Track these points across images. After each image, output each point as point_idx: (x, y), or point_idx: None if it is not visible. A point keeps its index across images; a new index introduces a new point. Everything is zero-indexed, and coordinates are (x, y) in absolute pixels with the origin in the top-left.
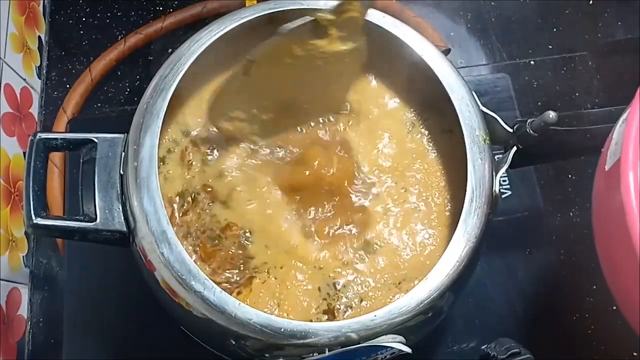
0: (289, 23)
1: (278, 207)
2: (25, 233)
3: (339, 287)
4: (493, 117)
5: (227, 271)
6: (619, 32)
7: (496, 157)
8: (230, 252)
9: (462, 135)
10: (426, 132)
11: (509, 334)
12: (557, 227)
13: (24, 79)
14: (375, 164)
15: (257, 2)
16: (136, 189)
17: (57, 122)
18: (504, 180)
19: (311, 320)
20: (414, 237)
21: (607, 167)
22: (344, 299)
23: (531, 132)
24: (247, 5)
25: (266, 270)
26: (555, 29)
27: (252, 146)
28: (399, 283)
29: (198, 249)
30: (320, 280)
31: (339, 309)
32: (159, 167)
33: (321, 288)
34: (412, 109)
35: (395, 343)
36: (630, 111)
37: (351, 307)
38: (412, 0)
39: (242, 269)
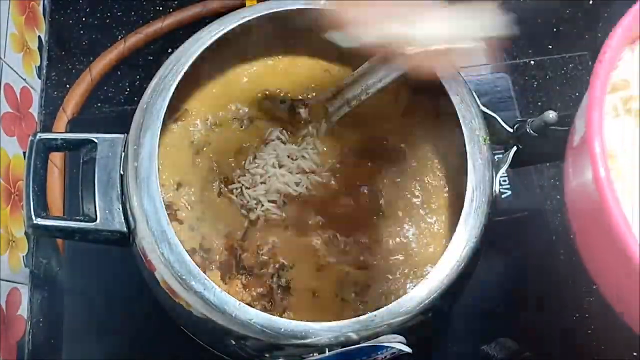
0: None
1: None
2: (25, 233)
3: (363, 294)
4: (493, 117)
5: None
6: None
7: (496, 157)
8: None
9: (461, 131)
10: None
11: (509, 334)
12: (557, 227)
13: (24, 79)
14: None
15: (257, 2)
16: (136, 189)
17: (57, 122)
18: (504, 180)
19: None
20: (418, 223)
21: (575, 144)
22: (371, 303)
23: (531, 132)
24: (247, 5)
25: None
26: (555, 29)
27: None
28: (414, 271)
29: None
30: (343, 291)
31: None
32: None
33: (345, 298)
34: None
35: (395, 343)
36: (590, 87)
37: (379, 308)
38: None
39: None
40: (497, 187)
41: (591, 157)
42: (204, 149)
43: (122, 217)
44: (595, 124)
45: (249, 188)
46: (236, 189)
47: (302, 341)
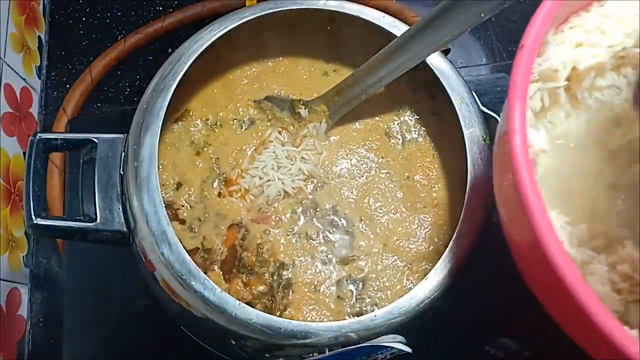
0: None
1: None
2: (25, 233)
3: (359, 290)
4: (493, 117)
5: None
6: None
7: None
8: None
9: (461, 131)
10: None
11: (509, 334)
12: None
13: (24, 79)
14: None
15: (257, 2)
16: (136, 189)
17: (57, 122)
18: None
19: None
20: (410, 220)
21: (495, 149)
22: (368, 299)
23: None
24: (247, 5)
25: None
26: None
27: None
28: (409, 266)
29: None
30: (340, 289)
31: (367, 310)
32: None
33: (342, 295)
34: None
35: (395, 343)
36: (513, 66)
37: (377, 305)
38: (412, 0)
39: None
40: None
41: (513, 160)
42: (205, 149)
43: (122, 217)
44: (516, 121)
45: (248, 189)
46: (236, 191)
47: (302, 341)
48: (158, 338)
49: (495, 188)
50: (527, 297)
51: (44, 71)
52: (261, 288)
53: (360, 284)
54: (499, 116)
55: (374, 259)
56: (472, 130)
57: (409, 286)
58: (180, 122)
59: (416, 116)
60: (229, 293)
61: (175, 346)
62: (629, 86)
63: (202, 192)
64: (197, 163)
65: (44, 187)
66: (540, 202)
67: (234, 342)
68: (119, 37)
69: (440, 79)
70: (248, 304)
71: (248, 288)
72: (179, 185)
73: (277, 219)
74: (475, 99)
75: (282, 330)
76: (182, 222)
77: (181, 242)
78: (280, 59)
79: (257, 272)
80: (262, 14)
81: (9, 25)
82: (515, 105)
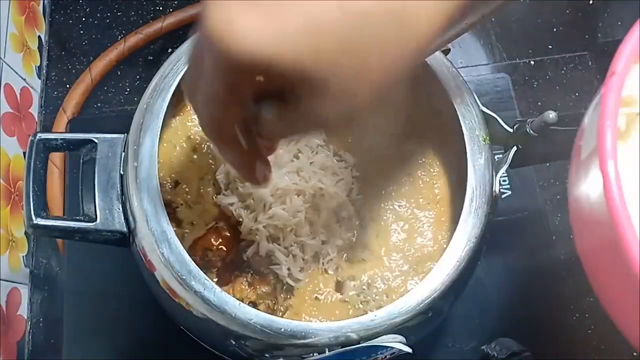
0: None
1: None
2: (25, 233)
3: (364, 292)
4: (493, 117)
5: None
6: (619, 32)
7: (496, 157)
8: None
9: (461, 131)
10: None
11: (509, 334)
12: (557, 227)
13: (24, 79)
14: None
15: None
16: (136, 189)
17: (57, 122)
18: (504, 180)
19: None
20: (411, 220)
21: (582, 157)
22: (373, 302)
23: (531, 132)
24: None
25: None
26: (555, 29)
27: None
28: (414, 267)
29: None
30: (343, 291)
31: (371, 311)
32: None
33: (347, 298)
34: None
35: (395, 343)
36: (603, 94)
37: (381, 307)
38: None
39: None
40: (497, 187)
41: (605, 181)
42: (202, 145)
43: (122, 217)
44: (607, 143)
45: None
46: (237, 187)
47: (302, 341)
48: (158, 338)
49: (575, 202)
50: (527, 297)
51: (44, 71)
52: (265, 289)
53: (365, 286)
54: (499, 116)
55: (378, 261)
56: (472, 131)
57: (413, 286)
58: (177, 117)
59: (416, 116)
60: (232, 293)
61: (175, 346)
62: None
63: (200, 190)
64: (194, 159)
65: (44, 187)
66: (631, 224)
67: (234, 342)
68: (119, 37)
69: (440, 79)
70: (252, 303)
71: (252, 288)
72: (176, 183)
73: None
74: (475, 99)
75: (282, 330)
76: (181, 221)
77: (181, 242)
78: None
79: (261, 272)
80: None
81: (9, 25)
82: (606, 133)
